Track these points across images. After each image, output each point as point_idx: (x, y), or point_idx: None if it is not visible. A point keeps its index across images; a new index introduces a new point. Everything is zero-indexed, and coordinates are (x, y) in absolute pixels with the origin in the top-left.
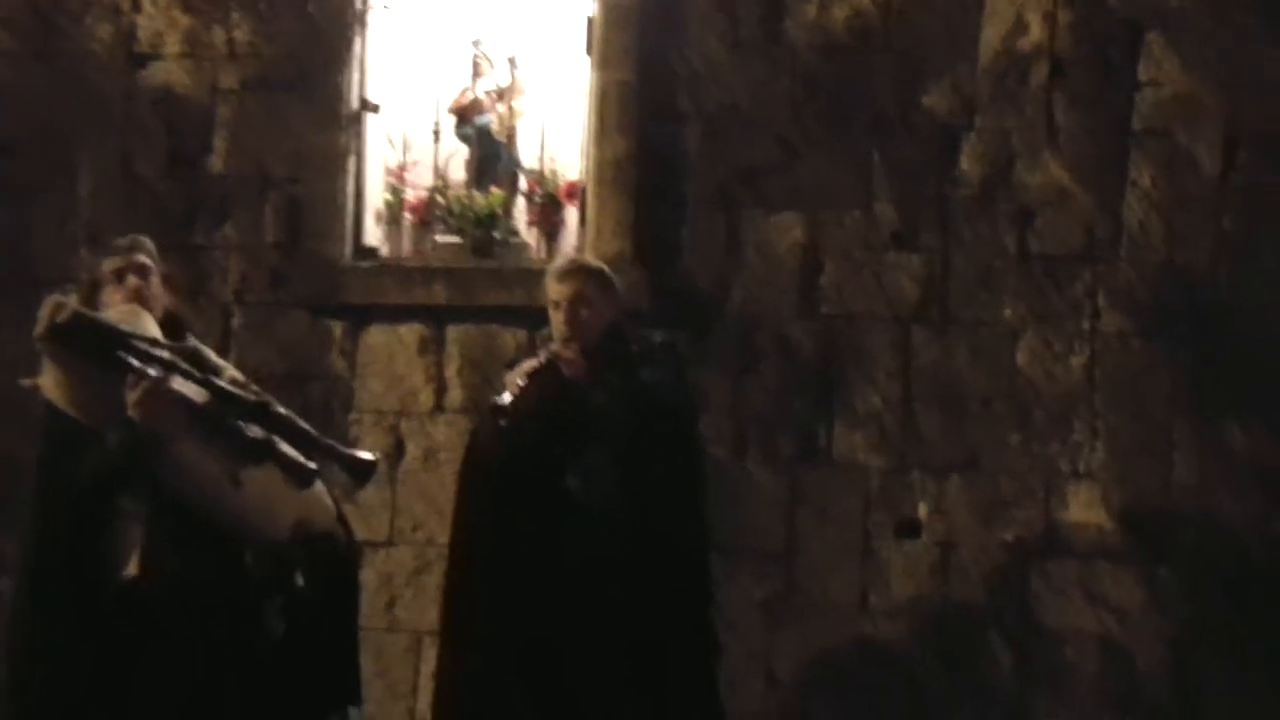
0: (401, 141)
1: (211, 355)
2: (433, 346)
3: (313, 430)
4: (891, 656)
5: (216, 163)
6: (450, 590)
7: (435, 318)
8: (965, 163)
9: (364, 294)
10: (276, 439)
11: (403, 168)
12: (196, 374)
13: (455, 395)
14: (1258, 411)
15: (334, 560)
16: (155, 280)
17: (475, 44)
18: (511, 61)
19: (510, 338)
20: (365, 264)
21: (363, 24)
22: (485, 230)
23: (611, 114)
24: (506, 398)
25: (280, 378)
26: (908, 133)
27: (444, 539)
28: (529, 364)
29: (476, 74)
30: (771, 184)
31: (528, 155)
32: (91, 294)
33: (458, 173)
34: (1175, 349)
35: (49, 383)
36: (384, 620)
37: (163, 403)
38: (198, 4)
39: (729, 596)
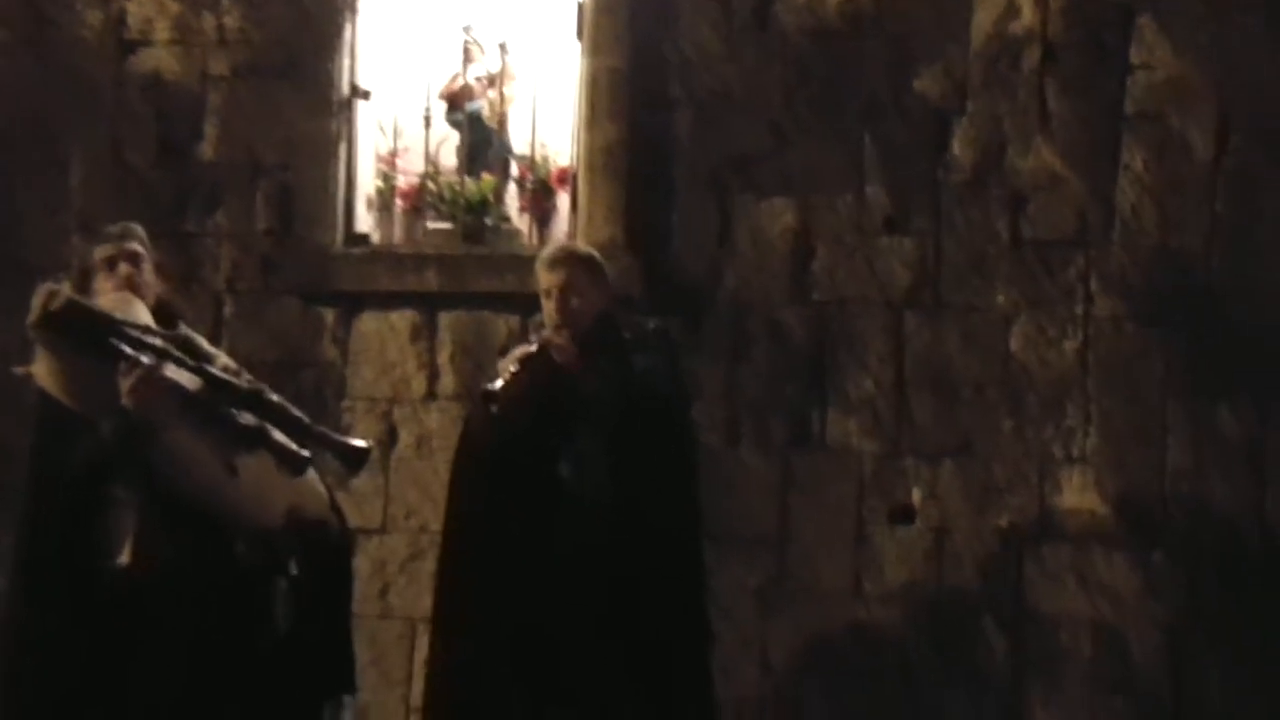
0: (392, 128)
1: (204, 343)
2: (425, 333)
3: (305, 418)
4: (885, 642)
5: (207, 150)
6: (443, 578)
7: (427, 304)
8: (957, 147)
9: (356, 281)
10: (269, 426)
11: (394, 154)
12: (189, 361)
13: (448, 382)
14: (1251, 396)
15: (327, 548)
16: (147, 268)
17: (466, 30)
18: (502, 47)
19: (502, 324)
20: (357, 251)
21: (353, 10)
22: (477, 217)
23: (603, 100)
24: (498, 384)
25: (272, 365)
26: (899, 117)
27: (437, 526)
28: (521, 351)
29: (467, 60)
30: (763, 169)
31: (519, 141)
32: (83, 282)
33: (449, 159)
34: (1168, 333)
35: (42, 371)
36: (377, 608)
37: (156, 390)
38: None
39: (722, 583)
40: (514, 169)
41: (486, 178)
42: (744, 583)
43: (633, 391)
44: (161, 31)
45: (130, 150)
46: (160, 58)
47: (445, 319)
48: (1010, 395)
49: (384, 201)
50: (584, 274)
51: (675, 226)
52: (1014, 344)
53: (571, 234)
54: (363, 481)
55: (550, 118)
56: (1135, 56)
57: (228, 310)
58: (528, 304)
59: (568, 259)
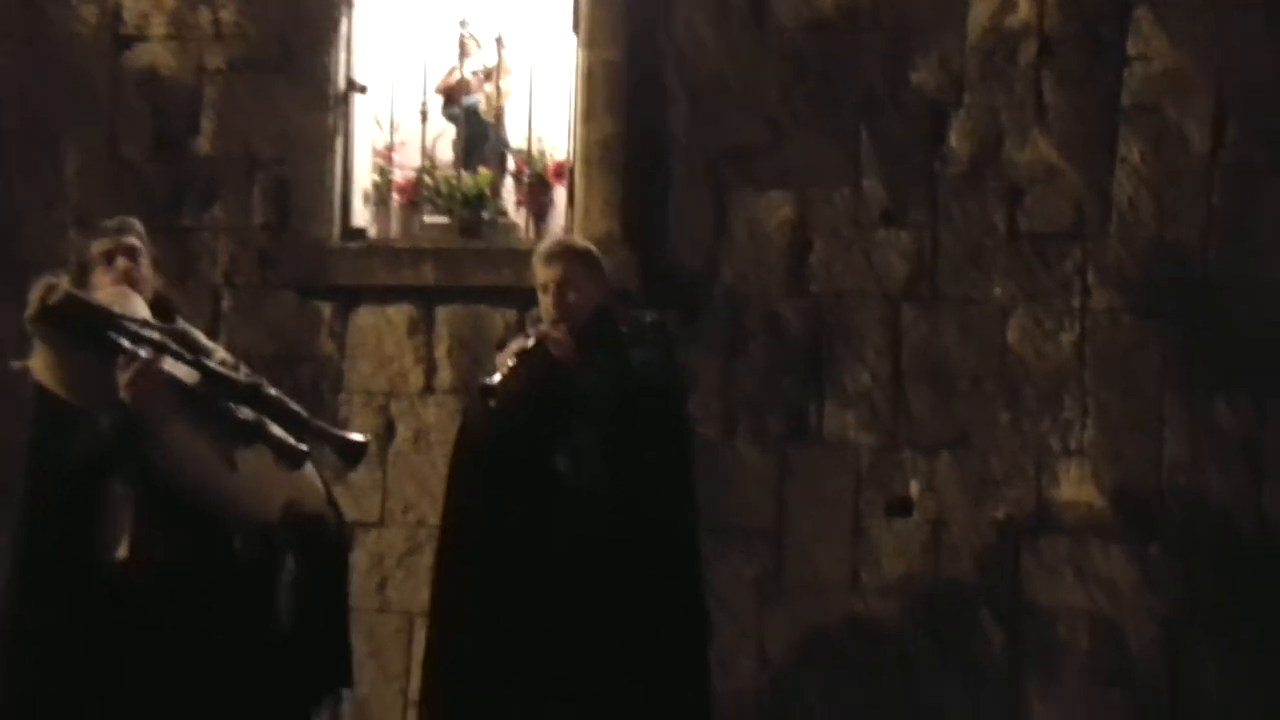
0: (389, 122)
1: (201, 337)
2: (422, 327)
3: (303, 412)
4: (882, 635)
5: (203, 144)
6: (440, 571)
7: (424, 298)
8: (954, 140)
9: (352, 275)
10: (267, 421)
11: (390, 148)
12: (187, 355)
13: (445, 376)
14: (1248, 388)
15: (324, 543)
16: (145, 262)
17: (462, 24)
18: (498, 41)
19: (499, 318)
20: (353, 245)
21: (349, 4)
22: (473, 210)
23: (599, 94)
24: (496, 379)
25: (269, 359)
26: (896, 111)
27: (435, 520)
28: (518, 345)
29: (463, 54)
30: (760, 163)
31: (515, 135)
32: (81, 276)
33: (445, 153)
34: (1165, 326)
35: (39, 365)
36: (375, 601)
37: (154, 384)
38: None
39: (719, 576)
40: (511, 163)
41: (483, 172)
42: (741, 575)
43: (630, 385)
44: (157, 26)
45: (126, 145)
46: (156, 52)
47: (442, 313)
48: (1007, 388)
49: (381, 196)
50: (581, 268)
51: (672, 220)
52: (1011, 336)
53: (568, 228)
54: (360, 475)
55: (547, 111)
56: (1132, 49)
57: (225, 304)
58: (525, 298)
59: (564, 253)
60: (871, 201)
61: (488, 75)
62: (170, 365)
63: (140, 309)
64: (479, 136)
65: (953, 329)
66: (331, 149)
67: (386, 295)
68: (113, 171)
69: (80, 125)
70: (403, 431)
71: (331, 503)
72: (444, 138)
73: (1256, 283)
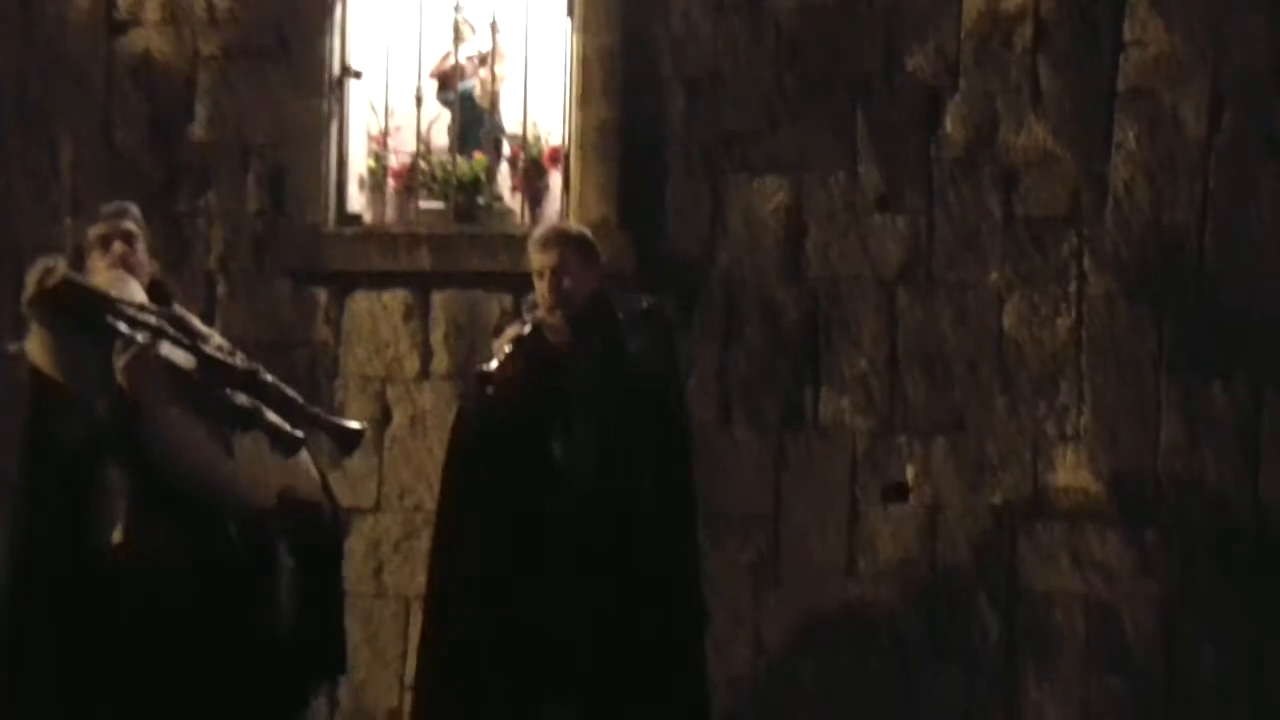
0: (384, 107)
1: (197, 322)
2: (418, 313)
3: (300, 398)
4: (879, 621)
5: (198, 130)
6: (437, 557)
7: (420, 284)
8: (950, 125)
9: (348, 261)
10: (263, 407)
11: (385, 134)
12: (185, 340)
13: (441, 361)
14: (1244, 373)
15: (319, 530)
16: (141, 247)
17: (456, 9)
18: (493, 26)
19: (495, 303)
20: (349, 231)
21: None
22: (469, 196)
23: (594, 79)
24: (492, 365)
25: (265, 345)
26: (891, 96)
27: (431, 505)
28: (514, 331)
29: (458, 39)
30: (756, 148)
31: (511, 120)
32: (78, 260)
33: (440, 138)
34: (1161, 311)
35: (35, 348)
36: (372, 587)
37: (150, 369)
38: None
39: (715, 562)
40: (506, 148)
41: (478, 157)
42: (737, 561)
43: (626, 372)
44: (151, 12)
45: (121, 131)
46: (150, 38)
47: (438, 298)
48: (1003, 373)
49: (376, 181)
50: (576, 254)
51: (668, 205)
52: (1007, 321)
53: (564, 213)
54: (357, 461)
55: (542, 96)
56: (1128, 33)
57: (220, 290)
58: (520, 283)
59: (560, 239)
60: (867, 187)
61: (482, 60)
62: (167, 350)
63: (137, 293)
64: (474, 122)
65: (949, 314)
66: (326, 134)
67: (382, 281)
68: (107, 157)
69: (74, 111)
70: (399, 417)
71: (326, 490)
72: (439, 123)
73: (1252, 267)
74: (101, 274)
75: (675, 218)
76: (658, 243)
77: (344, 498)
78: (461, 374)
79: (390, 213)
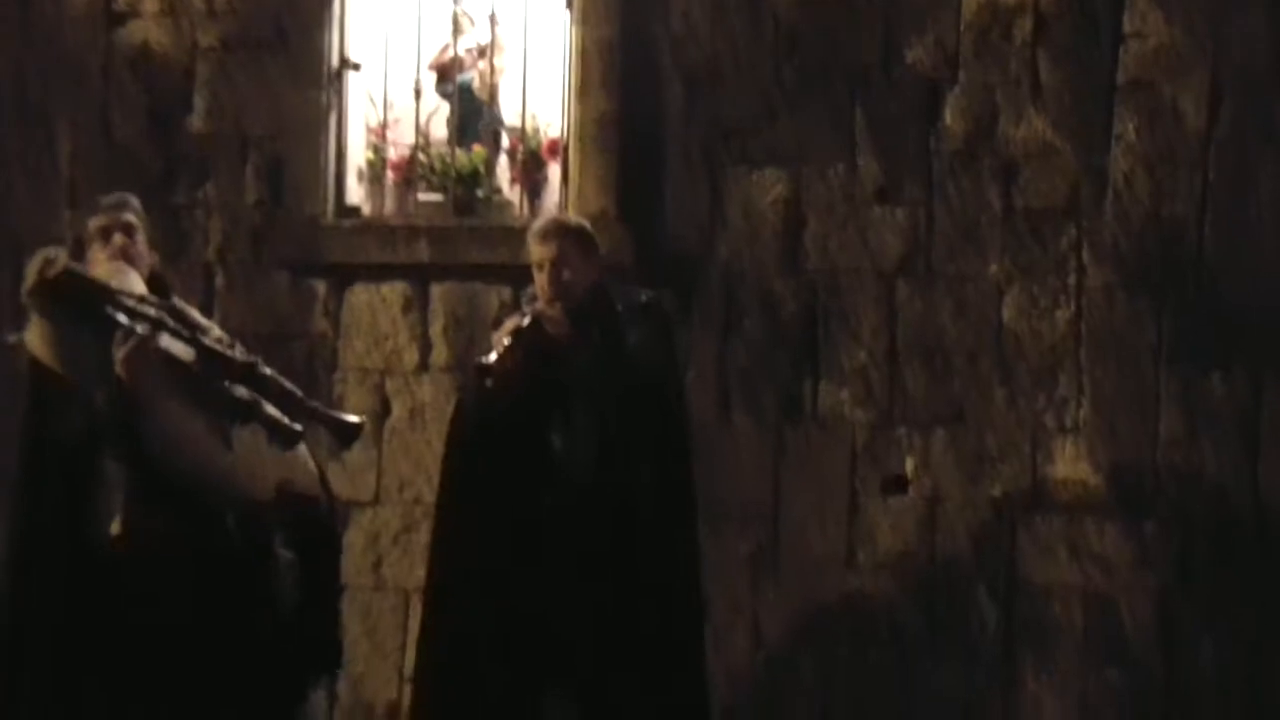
0: (383, 100)
1: (197, 315)
2: (416, 305)
3: (299, 391)
4: (878, 613)
5: (196, 122)
6: (436, 549)
7: (419, 276)
8: (949, 118)
9: (347, 253)
10: (262, 400)
11: (384, 126)
12: (184, 332)
13: (440, 354)
14: (1244, 365)
15: (316, 524)
16: (141, 239)
17: (455, 1)
18: (492, 18)
19: (494, 296)
20: (347, 223)
21: None
22: (468, 188)
23: (593, 71)
24: (491, 357)
25: (263, 338)
26: (891, 88)
27: (430, 498)
28: (513, 323)
29: (457, 31)
30: (754, 140)
31: (510, 112)
32: (78, 251)
33: (439, 130)
34: (1161, 303)
35: (35, 338)
36: (371, 579)
37: (149, 360)
38: None
39: (714, 554)
40: (505, 140)
41: (477, 149)
42: (736, 553)
43: (625, 364)
44: (149, 3)
45: (119, 123)
46: (148, 30)
47: (437, 291)
48: (1002, 365)
49: (375, 173)
50: (576, 246)
51: (666, 198)
52: (1006, 314)
53: (563, 205)
54: (356, 454)
55: (541, 89)
56: (1127, 25)
57: (218, 283)
58: (519, 275)
59: (559, 231)
60: (866, 179)
61: (481, 52)
62: (166, 342)
63: (137, 285)
64: (473, 114)
65: (948, 306)
66: (325, 127)
67: (381, 273)
68: (105, 149)
69: (73, 103)
70: (398, 410)
71: (324, 484)
72: (438, 115)
73: (1251, 260)
74: (101, 265)
75: (674, 210)
76: (656, 235)
77: (343, 490)
78: (460, 366)
79: (389, 205)
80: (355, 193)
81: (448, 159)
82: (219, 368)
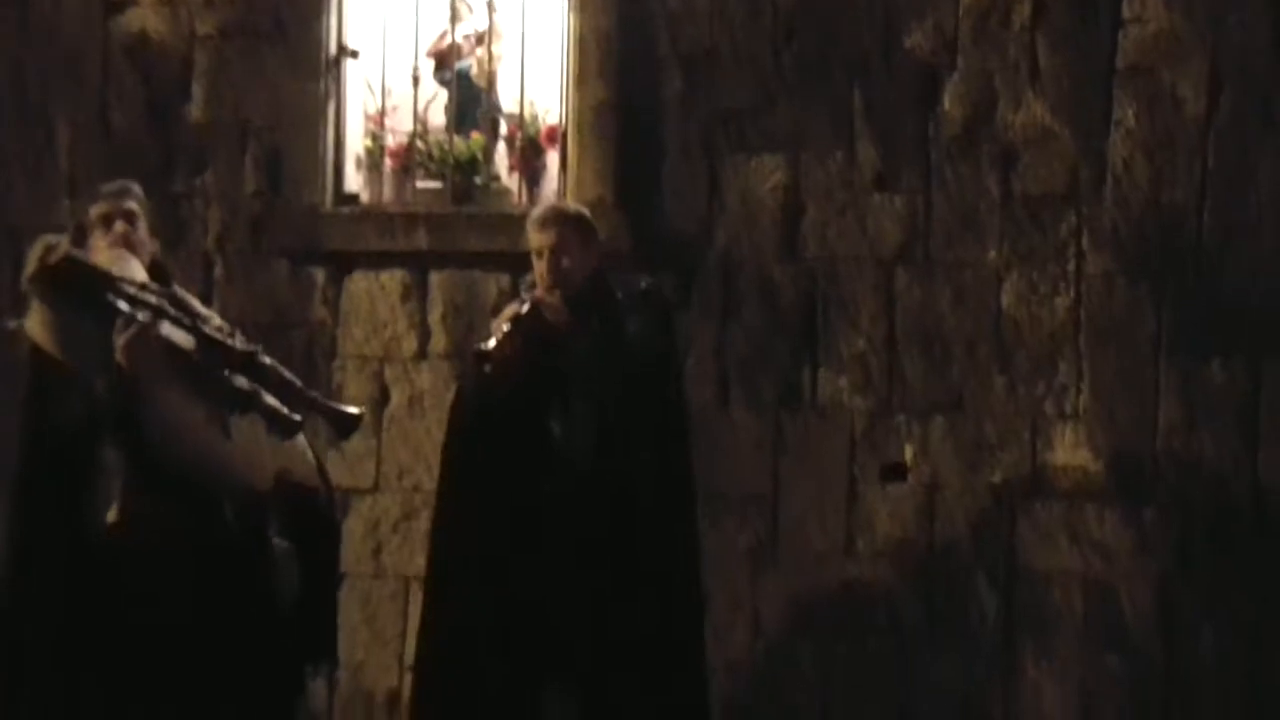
0: (381, 87)
1: (197, 303)
2: (415, 293)
3: (298, 381)
4: (877, 601)
5: (194, 111)
6: (436, 537)
7: (418, 264)
8: (948, 104)
9: (345, 241)
10: (261, 389)
11: (382, 113)
12: (185, 320)
13: (439, 341)
14: (1243, 352)
15: (314, 515)
16: (142, 226)
17: None
18: (490, 5)
19: (493, 283)
20: (346, 211)
21: None
22: (466, 176)
23: (591, 59)
24: (490, 344)
25: (263, 326)
26: (889, 74)
27: (430, 485)
28: (512, 310)
29: (455, 18)
30: (752, 127)
31: (508, 99)
32: (79, 238)
33: (437, 118)
34: (1160, 289)
35: (35, 325)
36: (370, 567)
37: (150, 348)
38: None
39: (713, 542)
40: (503, 127)
41: (476, 137)
42: (735, 542)
43: (624, 352)
44: None
45: (117, 112)
46: (146, 18)
47: (436, 278)
48: (1002, 352)
49: (373, 161)
50: (574, 234)
51: (665, 185)
52: (1005, 300)
53: (561, 193)
54: (355, 442)
55: (539, 76)
56: (1126, 11)
57: (217, 271)
58: (518, 263)
59: (558, 218)
60: (865, 166)
61: (479, 39)
62: (167, 330)
63: (138, 273)
64: (471, 101)
65: (947, 293)
66: (323, 114)
67: (380, 261)
68: (103, 138)
69: (71, 92)
70: (397, 397)
71: (322, 474)
72: (436, 102)
73: (1251, 246)
74: (103, 252)
75: (672, 197)
76: (655, 222)
77: (342, 478)
78: (459, 354)
79: (387, 193)
80: (354, 180)
81: (446, 146)
82: (219, 356)
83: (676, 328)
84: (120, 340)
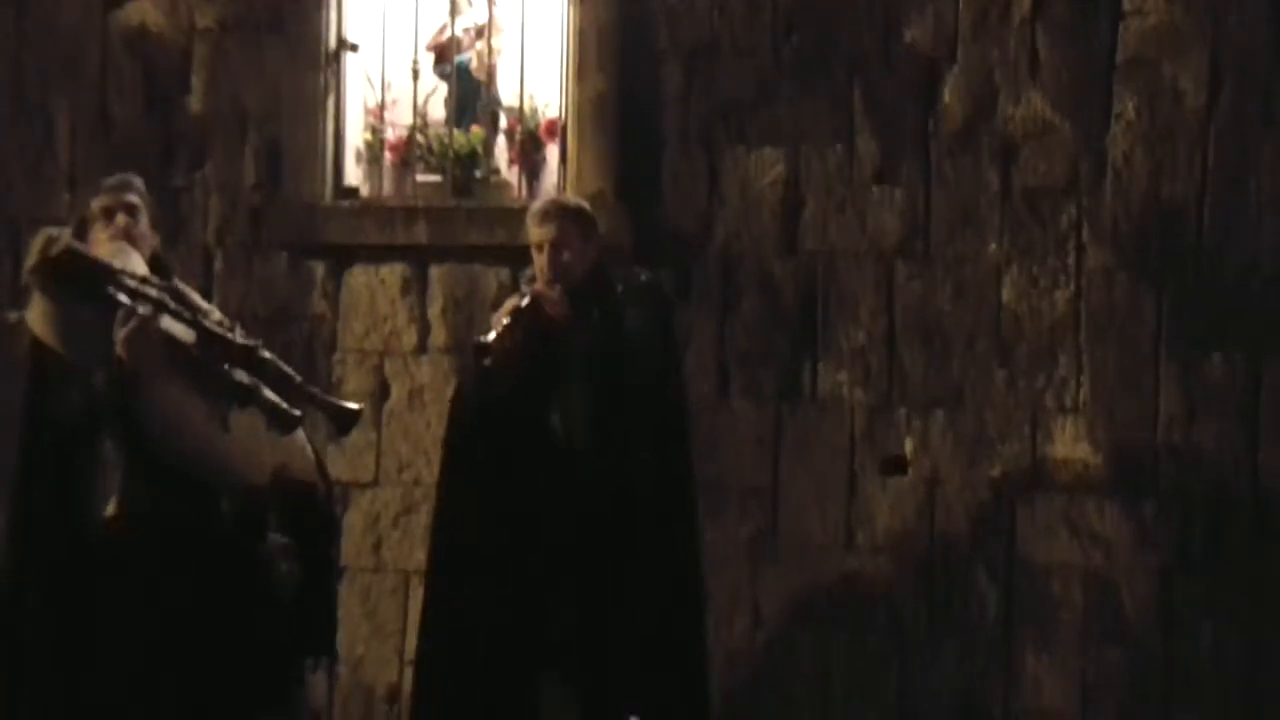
0: (380, 80)
1: (197, 297)
2: (415, 286)
3: (298, 377)
4: (877, 594)
5: (194, 104)
6: (437, 530)
7: (417, 257)
8: (948, 97)
9: (345, 234)
10: (261, 384)
11: (382, 107)
12: (186, 314)
13: (439, 335)
14: (1243, 345)
15: (312, 510)
16: (144, 220)
17: None
18: None
19: (493, 277)
20: (346, 204)
21: None
22: (466, 169)
23: (590, 52)
24: (490, 337)
25: (262, 320)
26: (889, 68)
27: (430, 479)
28: (512, 303)
29: (454, 11)
30: (752, 120)
31: (507, 93)
32: (80, 231)
33: (437, 111)
34: (1161, 282)
35: (36, 317)
36: (371, 561)
37: (150, 341)
38: None
39: (713, 535)
40: (503, 121)
41: (475, 130)
42: (735, 535)
43: (624, 346)
44: None
45: (116, 104)
46: (146, 11)
47: (436, 272)
48: (1002, 346)
49: (373, 154)
50: (575, 227)
51: (664, 178)
52: (1006, 294)
53: (561, 186)
54: (355, 435)
55: (539, 69)
56: (1126, 3)
57: (217, 264)
58: (518, 257)
59: (558, 212)
60: (864, 159)
61: (479, 33)
62: (167, 323)
63: (139, 266)
64: (471, 95)
65: (947, 287)
66: (323, 108)
67: (379, 254)
68: (103, 131)
69: (70, 85)
70: (397, 391)
71: (321, 470)
72: (436, 96)
73: (1252, 239)
74: (104, 246)
75: (672, 191)
76: (655, 215)
77: (342, 472)
78: (459, 348)
79: (387, 186)
80: (353, 174)
81: (446, 140)
82: (219, 351)
83: (676, 321)
84: (121, 333)
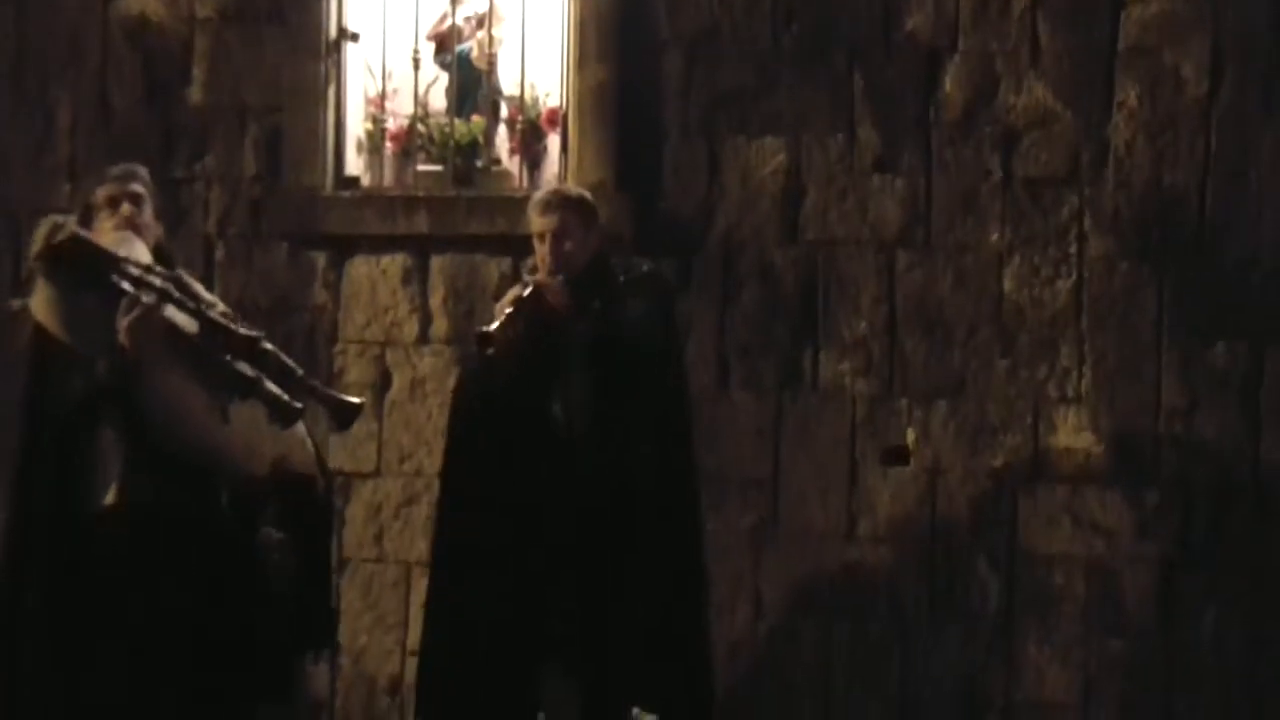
0: (381, 70)
1: (200, 288)
2: (416, 276)
3: (300, 369)
4: (879, 583)
5: (195, 94)
6: (440, 521)
7: (418, 247)
8: (949, 86)
9: (346, 225)
10: (263, 376)
11: (383, 96)
12: (189, 304)
13: (440, 325)
14: (1245, 334)
15: (310, 503)
16: (148, 209)
17: None
18: None
19: (494, 267)
20: (347, 194)
21: None
22: (467, 159)
23: (591, 41)
24: (492, 326)
25: (263, 310)
26: (890, 56)
27: (431, 470)
28: (514, 293)
29: (455, 1)
30: (753, 109)
31: (508, 82)
32: (85, 220)
33: (438, 101)
34: (1162, 271)
35: (39, 303)
36: (373, 552)
37: (153, 330)
38: None
39: (715, 525)
40: (504, 110)
41: (476, 120)
42: (737, 524)
43: (626, 335)
44: None
45: (117, 94)
46: (146, 1)
47: (436, 262)
48: (1003, 335)
49: (373, 144)
50: (576, 217)
51: (665, 167)
52: (1007, 283)
53: (562, 175)
54: (357, 426)
55: (539, 59)
56: None
57: (218, 255)
58: (519, 246)
59: (560, 202)
60: (865, 148)
61: (480, 22)
62: (170, 313)
63: (143, 255)
64: (472, 84)
65: (948, 276)
66: (324, 97)
67: (380, 244)
68: (103, 121)
69: (71, 74)
70: (398, 381)
71: (321, 464)
72: (436, 85)
73: (1253, 227)
74: (108, 234)
75: (673, 180)
76: (656, 205)
77: (344, 463)
78: (460, 338)
79: (388, 176)
80: (354, 164)
81: (446, 129)
82: (222, 341)
83: (677, 311)
84: (123, 321)
